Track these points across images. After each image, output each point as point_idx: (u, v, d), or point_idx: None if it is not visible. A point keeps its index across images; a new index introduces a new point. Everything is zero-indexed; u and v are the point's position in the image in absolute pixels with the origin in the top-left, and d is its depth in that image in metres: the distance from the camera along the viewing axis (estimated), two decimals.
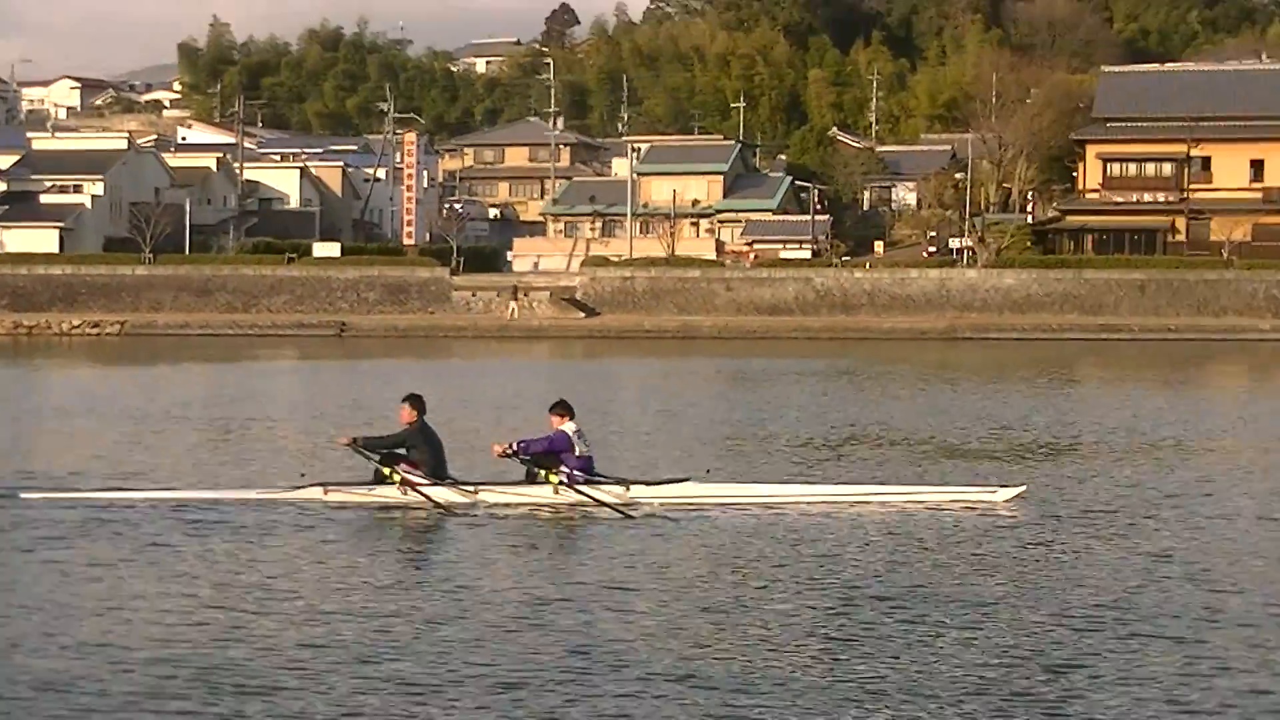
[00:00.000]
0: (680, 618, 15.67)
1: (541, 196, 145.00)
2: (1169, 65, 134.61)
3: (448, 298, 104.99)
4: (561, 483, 22.49)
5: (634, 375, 61.26)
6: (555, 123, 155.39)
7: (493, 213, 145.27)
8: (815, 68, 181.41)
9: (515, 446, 22.85)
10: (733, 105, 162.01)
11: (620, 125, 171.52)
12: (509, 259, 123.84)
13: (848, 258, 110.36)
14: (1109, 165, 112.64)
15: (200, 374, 62.86)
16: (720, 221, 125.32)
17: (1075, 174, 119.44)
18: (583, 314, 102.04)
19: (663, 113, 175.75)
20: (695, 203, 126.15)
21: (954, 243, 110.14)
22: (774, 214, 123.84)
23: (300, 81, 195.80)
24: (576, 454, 22.88)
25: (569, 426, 23.00)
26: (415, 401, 23.24)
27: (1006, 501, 22.94)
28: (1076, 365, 68.24)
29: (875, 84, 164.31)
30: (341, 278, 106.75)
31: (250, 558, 19.03)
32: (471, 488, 22.93)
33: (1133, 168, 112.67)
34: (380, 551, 19.70)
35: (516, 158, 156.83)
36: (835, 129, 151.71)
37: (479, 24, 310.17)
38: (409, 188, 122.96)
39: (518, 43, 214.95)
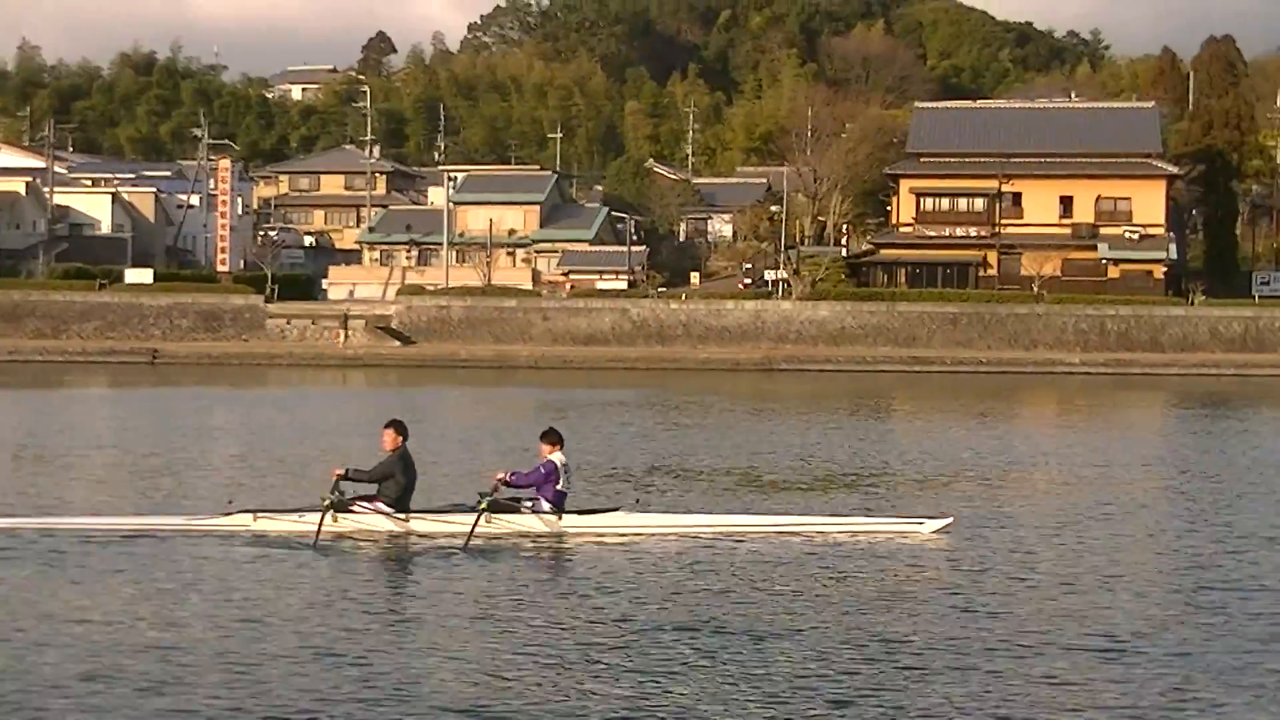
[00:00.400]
0: (486, 650, 15.55)
1: (357, 225, 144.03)
2: (981, 102, 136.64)
3: (262, 325, 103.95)
4: (486, 510, 22.33)
5: (447, 404, 60.90)
6: (371, 151, 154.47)
7: (308, 240, 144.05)
8: (632, 99, 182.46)
9: (510, 477, 22.86)
10: (550, 135, 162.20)
11: (437, 154, 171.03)
12: (324, 287, 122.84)
13: (664, 288, 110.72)
14: (922, 200, 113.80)
15: (6, 401, 61.59)
16: (537, 251, 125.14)
17: (889, 208, 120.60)
18: (398, 343, 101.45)
19: (479, 142, 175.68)
20: (512, 232, 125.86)
21: (769, 275, 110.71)
22: (590, 244, 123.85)
23: (112, 106, 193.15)
24: (558, 486, 22.89)
25: (558, 457, 22.98)
26: (399, 427, 23.00)
27: (934, 533, 23.15)
28: (889, 397, 68.77)
29: (692, 116, 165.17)
30: (154, 304, 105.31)
31: (37, 587, 18.59)
32: (404, 517, 22.70)
33: (945, 202, 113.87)
34: (177, 581, 19.26)
35: (332, 185, 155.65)
36: (652, 160, 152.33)
37: (295, 51, 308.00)
38: (223, 214, 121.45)
39: (334, 70, 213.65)
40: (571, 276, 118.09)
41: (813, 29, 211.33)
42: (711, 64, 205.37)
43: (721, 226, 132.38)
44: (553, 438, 23.15)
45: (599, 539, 22.59)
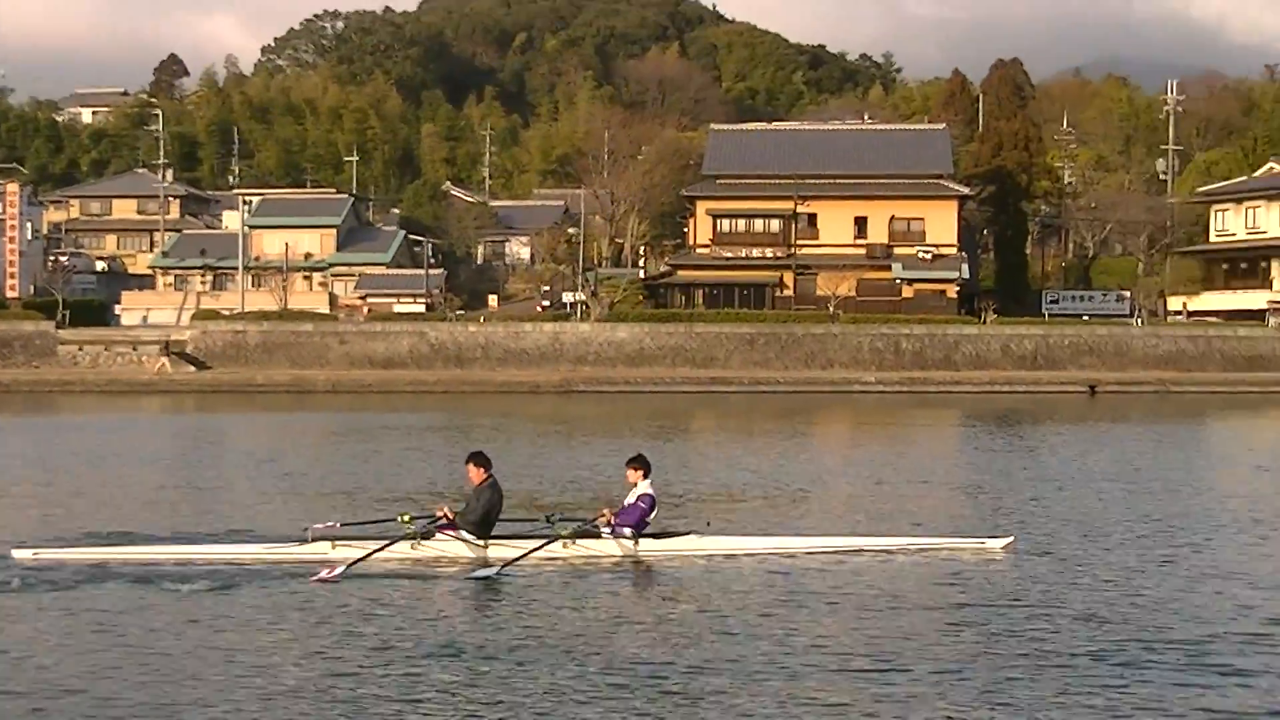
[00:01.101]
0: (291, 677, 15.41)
1: (150, 249, 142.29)
2: (776, 124, 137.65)
3: (54, 352, 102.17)
4: (568, 535, 22.75)
5: (241, 430, 60.18)
6: (164, 174, 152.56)
7: (100, 265, 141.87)
8: (428, 122, 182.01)
9: (616, 519, 22.94)
10: (346, 158, 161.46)
11: (231, 178, 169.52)
12: (117, 313, 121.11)
13: (462, 311, 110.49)
14: (719, 221, 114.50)
15: None
16: (333, 275, 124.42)
17: (686, 229, 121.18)
18: (193, 368, 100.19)
19: (274, 165, 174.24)
20: (308, 256, 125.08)
21: (568, 297, 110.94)
22: (388, 267, 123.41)
23: None
24: (648, 517, 23.22)
25: (648, 485, 23.20)
26: (481, 459, 23.11)
27: (1002, 550, 23.83)
28: (686, 418, 68.94)
29: (488, 139, 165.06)
30: None
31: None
32: (482, 544, 22.64)
33: (742, 224, 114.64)
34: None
35: (124, 210, 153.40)
36: (449, 183, 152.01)
37: (84, 73, 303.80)
38: (11, 240, 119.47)
39: (125, 93, 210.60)
40: (369, 300, 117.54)
41: (608, 52, 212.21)
42: (507, 87, 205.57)
43: (519, 249, 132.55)
44: (639, 464, 23.29)
45: (680, 562, 22.66)
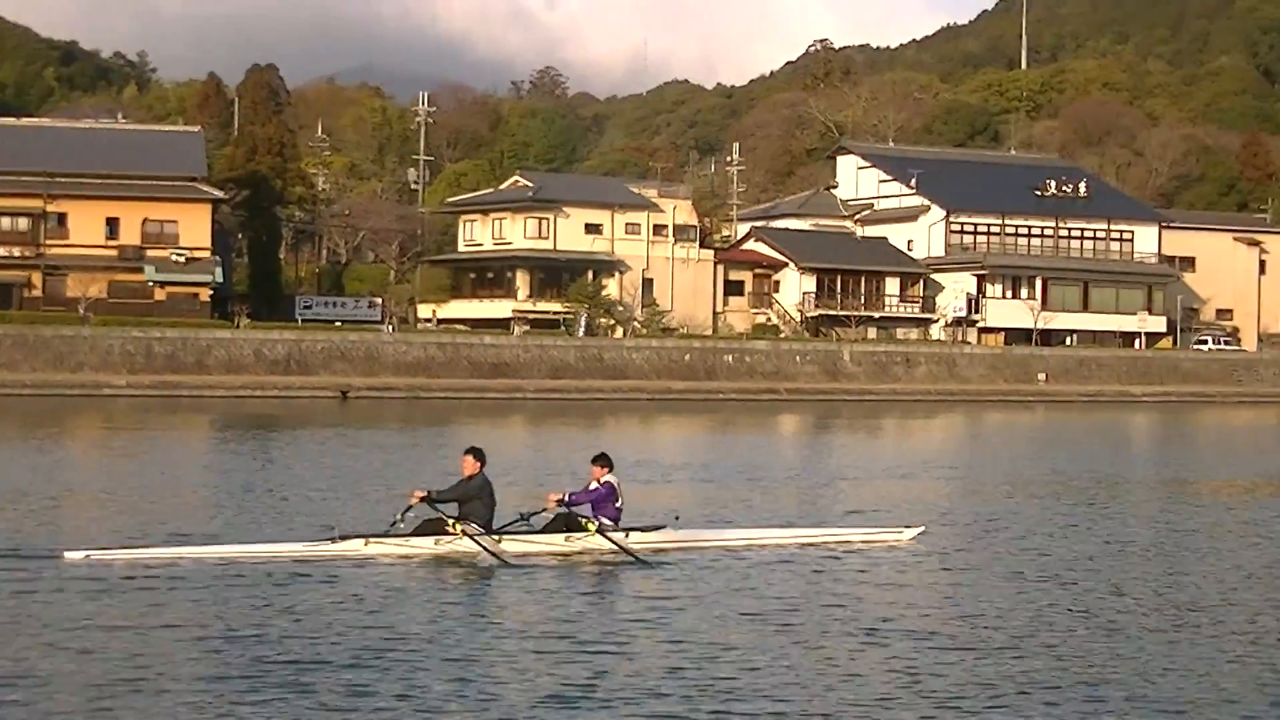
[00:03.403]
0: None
1: None
2: (25, 120, 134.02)
3: None
4: (599, 531, 24.34)
5: None
6: None
7: None
8: None
9: (567, 498, 24.65)
10: None
11: None
12: None
13: None
14: None
15: None
16: None
17: None
18: None
19: None
20: None
21: None
22: None
23: None
24: (616, 505, 24.74)
25: (612, 478, 24.80)
26: (478, 454, 24.64)
27: (911, 540, 26.82)
28: None
29: None
30: None
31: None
32: (496, 538, 24.19)
33: None
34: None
35: None
36: None
37: None
38: None
39: None
40: None
41: None
42: None
43: None
44: (604, 462, 24.91)
45: (665, 553, 24.76)
